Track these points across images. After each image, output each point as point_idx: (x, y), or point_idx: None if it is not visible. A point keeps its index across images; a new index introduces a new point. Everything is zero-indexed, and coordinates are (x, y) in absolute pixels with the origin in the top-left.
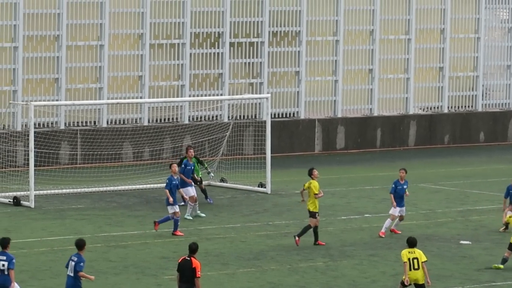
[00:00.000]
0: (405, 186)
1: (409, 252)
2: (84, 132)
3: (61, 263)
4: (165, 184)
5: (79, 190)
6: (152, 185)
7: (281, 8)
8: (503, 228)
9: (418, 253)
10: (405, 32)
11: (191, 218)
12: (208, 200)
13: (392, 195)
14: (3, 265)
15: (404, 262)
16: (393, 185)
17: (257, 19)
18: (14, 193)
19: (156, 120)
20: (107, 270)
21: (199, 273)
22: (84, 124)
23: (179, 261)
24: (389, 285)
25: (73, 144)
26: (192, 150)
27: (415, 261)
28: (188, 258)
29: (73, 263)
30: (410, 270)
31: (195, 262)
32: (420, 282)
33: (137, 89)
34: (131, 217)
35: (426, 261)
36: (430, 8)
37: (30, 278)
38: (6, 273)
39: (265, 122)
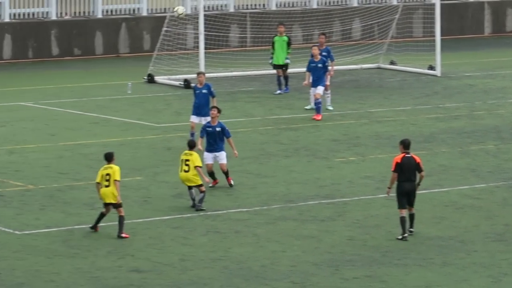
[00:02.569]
0: None
1: None
2: (254, 14)
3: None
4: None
5: (249, 72)
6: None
7: None
8: None
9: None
10: None
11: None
12: (282, 90)
13: None
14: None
15: None
16: None
17: None
18: (185, 76)
19: (326, 3)
20: (278, 153)
21: (423, 167)
22: (253, 6)
23: (399, 161)
24: None
25: (243, 26)
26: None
27: None
28: (409, 155)
29: None
30: None
31: (417, 158)
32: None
33: None
34: (302, 99)
35: None
36: None
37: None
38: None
39: (434, 4)
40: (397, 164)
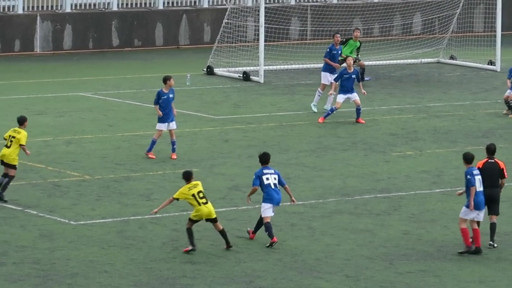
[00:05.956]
0: None
1: None
2: (315, 8)
3: (290, 138)
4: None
5: (308, 65)
6: (381, 62)
7: None
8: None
9: None
10: None
11: (313, 109)
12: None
13: None
14: (275, 178)
15: None
16: None
17: None
18: (244, 68)
19: None
20: (335, 146)
21: (506, 173)
22: (315, 0)
23: (481, 166)
24: None
25: (303, 19)
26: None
27: None
28: (492, 160)
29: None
30: None
31: (501, 163)
32: None
33: None
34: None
35: None
36: None
37: (258, 153)
38: (278, 188)
39: None
40: (479, 170)
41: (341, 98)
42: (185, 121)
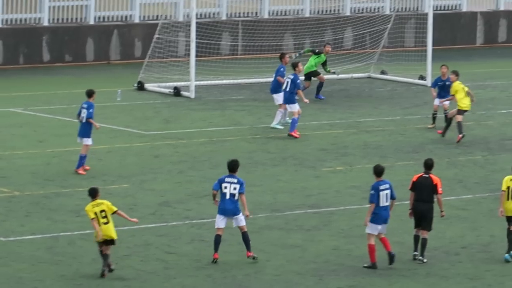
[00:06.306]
0: None
1: (510, 180)
2: (246, 23)
3: (220, 154)
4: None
5: (239, 81)
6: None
7: None
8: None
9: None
10: None
11: (280, 127)
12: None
13: None
14: (235, 188)
15: (502, 191)
16: None
17: None
18: (175, 83)
19: (318, 12)
20: (265, 162)
21: (440, 189)
22: (245, 15)
23: (415, 179)
24: None
25: (234, 35)
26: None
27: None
28: (427, 175)
29: None
30: (508, 199)
31: (435, 178)
32: None
33: None
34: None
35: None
36: None
37: (189, 168)
38: (236, 198)
39: (426, 14)
40: (413, 183)
41: (296, 106)
42: (115, 137)
